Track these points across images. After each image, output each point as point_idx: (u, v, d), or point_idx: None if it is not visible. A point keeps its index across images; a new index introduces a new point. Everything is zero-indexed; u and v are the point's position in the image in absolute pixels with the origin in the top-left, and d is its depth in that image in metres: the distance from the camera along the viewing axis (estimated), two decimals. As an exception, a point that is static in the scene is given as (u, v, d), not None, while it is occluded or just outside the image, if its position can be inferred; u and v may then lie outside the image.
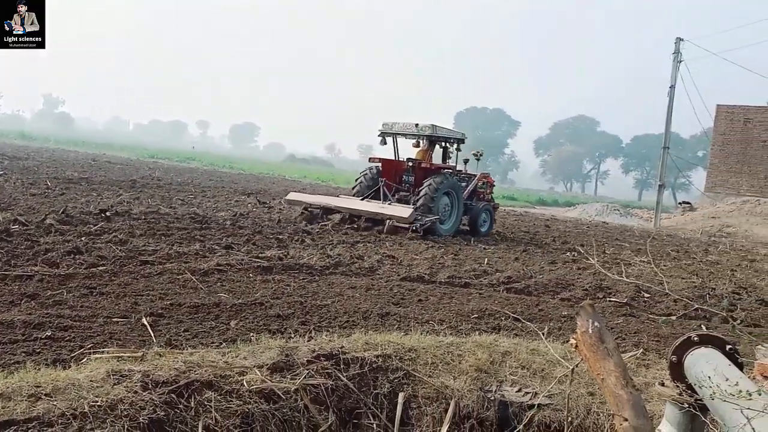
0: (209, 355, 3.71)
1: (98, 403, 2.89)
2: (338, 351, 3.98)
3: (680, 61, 28.86)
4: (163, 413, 3.01)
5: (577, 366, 3.14)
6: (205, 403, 3.20)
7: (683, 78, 29.00)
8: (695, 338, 2.51)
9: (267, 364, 3.64)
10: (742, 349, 3.83)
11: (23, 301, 5.38)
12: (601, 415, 3.72)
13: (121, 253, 7.66)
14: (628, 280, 4.72)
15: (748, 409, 1.77)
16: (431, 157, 15.41)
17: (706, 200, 35.75)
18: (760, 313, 8.33)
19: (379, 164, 14.96)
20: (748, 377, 2.30)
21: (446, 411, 3.84)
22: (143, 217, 11.12)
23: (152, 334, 4.84)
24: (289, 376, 3.62)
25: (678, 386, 2.51)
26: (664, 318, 7.17)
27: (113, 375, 3.17)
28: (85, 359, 3.73)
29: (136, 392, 3.05)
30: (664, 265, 12.57)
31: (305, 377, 3.63)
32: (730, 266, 13.59)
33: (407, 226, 12.62)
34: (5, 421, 2.63)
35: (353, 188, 15.25)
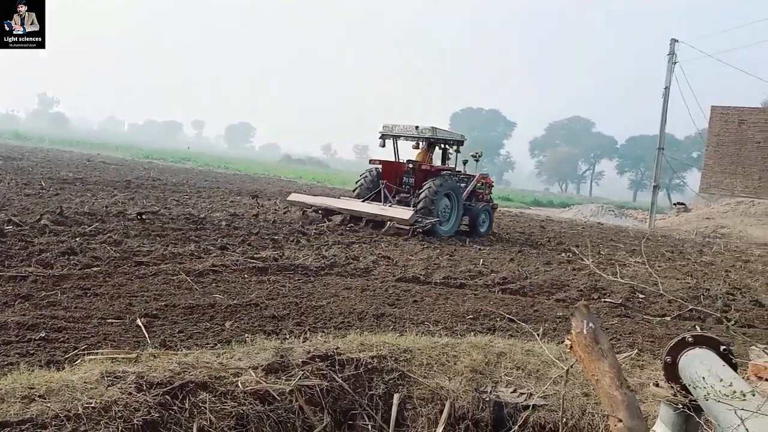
0: (204, 356, 3.70)
1: (92, 405, 2.88)
2: (333, 352, 3.98)
3: (675, 63, 28.94)
4: (157, 414, 3.01)
5: (571, 367, 3.14)
6: (200, 404, 3.19)
7: (678, 79, 29.11)
8: (690, 339, 2.51)
9: (262, 365, 3.64)
10: (736, 349, 3.83)
11: (17, 302, 5.36)
12: (596, 415, 3.73)
13: (116, 253, 7.64)
14: (622, 281, 4.72)
15: (742, 409, 1.77)
16: (431, 158, 15.50)
17: (700, 201, 35.88)
18: (755, 313, 8.36)
19: (380, 166, 15.06)
20: (742, 378, 2.31)
21: (441, 412, 3.84)
22: (138, 217, 11.09)
23: (147, 335, 4.83)
24: (284, 377, 3.62)
25: (672, 387, 2.52)
26: (659, 319, 7.14)
27: (107, 376, 3.16)
28: (79, 360, 3.71)
29: (130, 393, 3.04)
30: (659, 266, 12.60)
31: (300, 378, 3.63)
32: (724, 267, 13.62)
33: (408, 227, 12.67)
34: (-2, 423, 2.62)
35: (354, 190, 15.33)
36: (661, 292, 3.20)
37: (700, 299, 8.98)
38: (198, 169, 37.36)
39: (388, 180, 14.64)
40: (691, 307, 7.32)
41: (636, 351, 5.22)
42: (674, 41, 29.12)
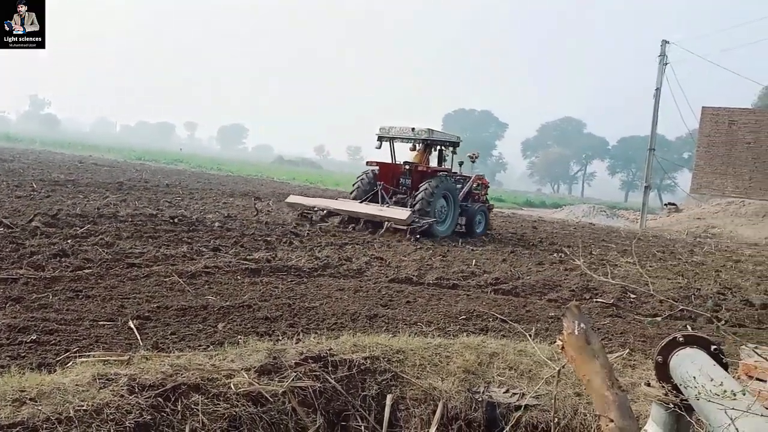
0: (196, 358, 3.69)
1: (84, 408, 2.87)
2: (326, 353, 3.98)
3: (666, 64, 29.08)
4: (149, 417, 2.99)
5: (563, 367, 3.15)
6: (192, 406, 3.18)
7: (669, 80, 29.25)
8: (680, 339, 2.53)
9: (254, 367, 3.63)
10: (726, 349, 3.85)
11: (8, 305, 5.33)
12: (588, 415, 3.74)
13: (108, 255, 7.61)
14: (613, 281, 4.73)
15: (733, 409, 1.79)
16: (428, 160, 15.61)
17: (691, 201, 36.01)
18: (745, 313, 8.41)
19: (377, 168, 15.22)
20: (733, 377, 2.32)
21: (434, 412, 3.84)
22: (130, 219, 11.05)
23: (139, 338, 4.81)
24: (276, 379, 3.61)
25: (664, 386, 2.53)
26: (650, 319, 7.21)
27: (99, 379, 3.14)
28: (70, 363, 3.70)
29: (122, 396, 3.03)
30: (650, 266, 12.65)
31: (293, 380, 3.63)
32: (715, 267, 13.69)
33: (405, 227, 12.77)
34: (-11, 426, 2.61)
35: (351, 191, 15.46)
36: (652, 292, 3.22)
37: (691, 299, 9.03)
38: (190, 171, 37.25)
39: (385, 181, 14.79)
40: (682, 306, 7.32)
41: (627, 351, 5.24)
42: (665, 42, 29.25)
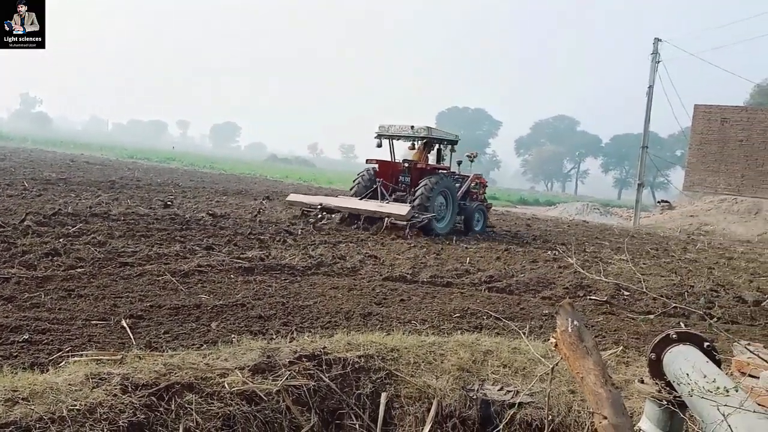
0: (190, 357, 3.68)
1: (77, 407, 2.86)
2: (320, 352, 3.97)
3: (659, 62, 29.18)
4: (143, 416, 2.98)
5: (557, 364, 3.16)
6: (186, 405, 3.17)
7: (661, 78, 29.36)
8: (674, 336, 2.53)
9: (248, 366, 3.62)
10: (719, 345, 3.87)
11: (0, 304, 5.30)
12: (582, 412, 3.75)
13: (100, 254, 7.58)
14: (607, 279, 4.76)
15: (725, 405, 1.79)
16: (427, 158, 15.79)
17: (684, 199, 36.18)
18: (738, 310, 8.44)
19: (376, 165, 15.41)
20: (726, 374, 2.33)
21: (429, 410, 3.85)
22: (122, 218, 11.00)
23: (132, 337, 4.79)
24: (270, 378, 3.60)
25: (657, 383, 2.53)
26: (644, 316, 7.25)
27: (92, 378, 3.13)
28: (63, 362, 3.68)
29: (115, 395, 3.02)
30: (644, 264, 12.70)
31: (287, 378, 3.62)
32: (708, 264, 13.76)
33: (405, 223, 12.90)
34: (-19, 427, 2.59)
35: (351, 189, 15.70)
36: (645, 289, 3.23)
37: (684, 296, 9.06)
38: (183, 169, 37.15)
39: (384, 179, 15.00)
40: (675, 304, 7.38)
41: (621, 348, 5.26)
42: (657, 40, 29.36)
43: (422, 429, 3.77)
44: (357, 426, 3.76)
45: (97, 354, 3.80)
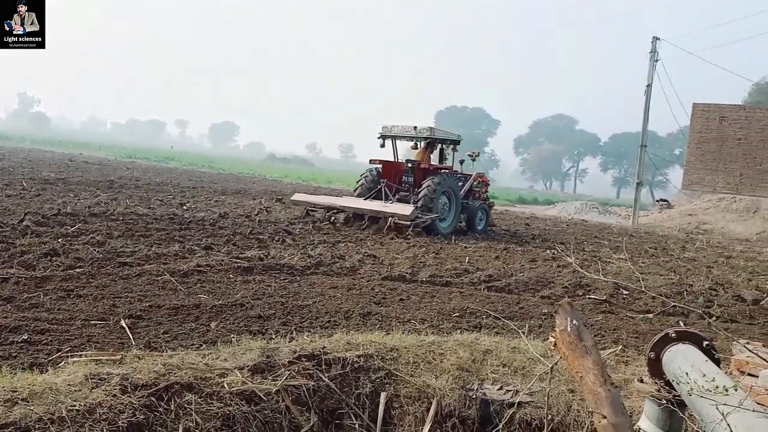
0: (189, 357, 3.68)
1: (76, 408, 2.85)
2: (320, 351, 3.97)
3: (657, 60, 29.19)
4: (142, 417, 2.98)
5: (556, 364, 3.16)
6: (186, 405, 3.17)
7: (660, 77, 29.38)
8: (673, 335, 2.53)
9: (248, 366, 3.62)
10: (718, 344, 3.88)
11: (-1, 305, 5.30)
12: (582, 411, 3.75)
13: (99, 254, 7.57)
14: (606, 278, 4.76)
15: (725, 404, 1.79)
16: (429, 158, 15.92)
17: (683, 197, 36.18)
18: (737, 309, 8.45)
19: (380, 166, 15.56)
20: (725, 373, 2.33)
21: (428, 410, 3.85)
22: (121, 218, 11.00)
23: (131, 337, 4.79)
24: (270, 378, 3.60)
25: (656, 383, 2.54)
26: (643, 315, 7.25)
27: (91, 378, 3.13)
28: (62, 363, 3.67)
29: (115, 396, 3.02)
30: (642, 263, 12.71)
31: (286, 378, 3.62)
32: (706, 263, 13.77)
33: (408, 223, 12.98)
34: (-19, 427, 2.59)
35: (355, 189, 15.82)
36: (644, 288, 3.23)
37: (683, 295, 9.07)
38: (182, 169, 37.11)
39: (387, 179, 15.16)
40: (674, 303, 7.39)
41: (620, 347, 5.26)
42: (656, 39, 29.36)
43: (422, 429, 3.77)
44: (356, 426, 3.76)
45: (96, 354, 3.80)
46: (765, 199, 27.20)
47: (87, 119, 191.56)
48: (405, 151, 17.29)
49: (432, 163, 15.85)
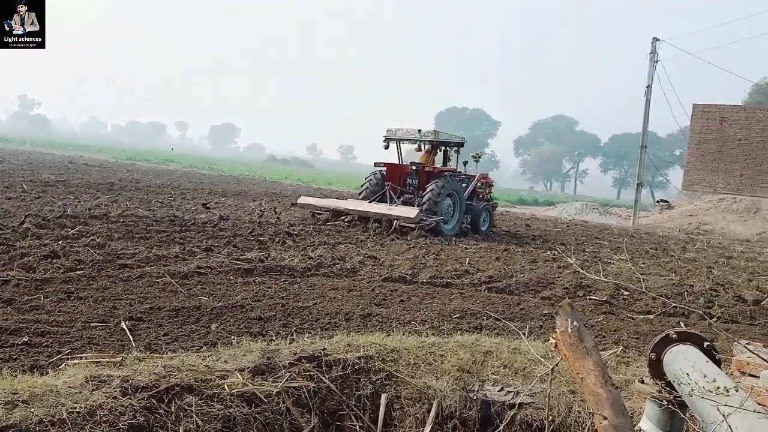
0: (189, 359, 3.67)
1: (77, 410, 2.85)
2: (320, 353, 3.97)
3: (657, 61, 29.20)
4: (143, 419, 2.98)
5: (557, 365, 3.16)
6: (186, 407, 3.17)
7: (660, 78, 29.40)
8: (674, 335, 2.53)
9: (248, 368, 3.62)
10: (719, 345, 3.87)
11: (-1, 307, 5.30)
12: (582, 413, 3.75)
13: (99, 256, 7.57)
14: (606, 279, 4.75)
15: (726, 405, 1.79)
16: (434, 160, 16.05)
17: (683, 198, 36.18)
18: (737, 309, 8.45)
19: (384, 168, 15.66)
20: (726, 373, 2.33)
21: (429, 411, 3.84)
22: (121, 220, 11.00)
23: (131, 339, 4.79)
24: (270, 379, 3.60)
25: (657, 383, 2.53)
26: (643, 316, 7.24)
27: (92, 381, 3.12)
28: (62, 365, 3.67)
29: (115, 398, 3.01)
30: (643, 263, 12.71)
31: (287, 380, 3.62)
32: (707, 263, 13.76)
33: (413, 226, 13.07)
34: (-19, 430, 2.59)
35: (360, 192, 15.90)
36: (644, 289, 3.23)
37: (684, 296, 9.06)
38: (182, 171, 37.12)
39: (392, 182, 15.23)
40: (674, 303, 7.38)
41: (621, 348, 5.26)
42: (655, 40, 29.37)
43: (422, 430, 3.77)
44: (357, 427, 3.76)
45: (96, 356, 3.79)
46: (765, 200, 27.20)
47: (87, 121, 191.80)
48: (407, 154, 17.36)
49: (436, 165, 15.93)
